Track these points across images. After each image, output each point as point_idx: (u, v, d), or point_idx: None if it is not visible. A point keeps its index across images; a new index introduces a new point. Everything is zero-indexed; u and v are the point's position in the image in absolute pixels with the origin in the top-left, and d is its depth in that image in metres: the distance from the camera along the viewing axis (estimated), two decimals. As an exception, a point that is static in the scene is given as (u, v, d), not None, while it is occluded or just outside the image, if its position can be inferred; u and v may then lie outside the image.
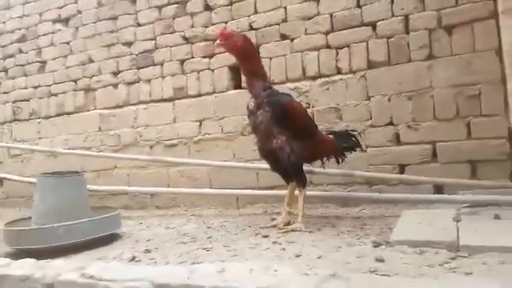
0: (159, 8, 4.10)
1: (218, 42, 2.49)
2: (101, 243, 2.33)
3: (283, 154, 2.37)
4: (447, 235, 1.87)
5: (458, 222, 2.12)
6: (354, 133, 2.83)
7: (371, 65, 3.28)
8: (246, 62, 2.49)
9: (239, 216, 3.08)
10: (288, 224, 2.44)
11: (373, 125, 3.24)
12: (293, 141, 2.37)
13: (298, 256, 1.74)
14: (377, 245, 1.92)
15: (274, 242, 2.03)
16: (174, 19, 4.04)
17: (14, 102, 4.85)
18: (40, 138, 4.64)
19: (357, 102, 3.30)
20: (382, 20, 3.25)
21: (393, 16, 3.22)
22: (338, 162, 2.77)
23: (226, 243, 2.09)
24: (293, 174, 2.46)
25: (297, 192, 2.50)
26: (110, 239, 2.42)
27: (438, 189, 3.02)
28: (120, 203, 4.07)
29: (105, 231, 2.34)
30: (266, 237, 2.20)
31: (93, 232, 2.29)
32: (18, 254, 2.18)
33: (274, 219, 2.67)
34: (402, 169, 3.15)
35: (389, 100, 3.21)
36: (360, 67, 3.31)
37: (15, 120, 4.82)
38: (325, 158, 2.68)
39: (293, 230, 2.31)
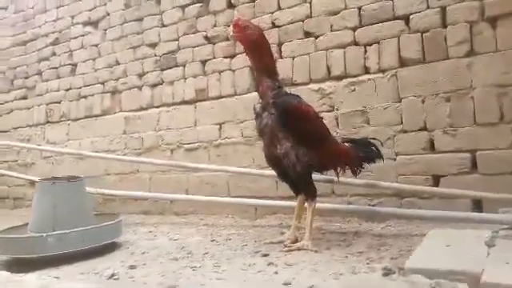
0: (183, 8, 3.98)
1: (231, 33, 2.29)
2: (97, 253, 2.21)
3: (288, 163, 2.13)
4: (473, 264, 1.54)
5: (491, 247, 1.77)
6: (375, 142, 2.52)
7: (403, 63, 2.94)
8: (258, 57, 2.27)
9: (252, 227, 2.87)
10: (295, 241, 2.20)
11: (404, 130, 2.91)
12: (299, 148, 2.12)
13: (286, 284, 1.50)
14: (387, 273, 1.64)
15: (270, 264, 1.80)
16: (197, 18, 3.90)
17: (47, 104, 4.94)
18: (69, 140, 4.68)
19: (386, 104, 2.98)
20: (416, 12, 2.91)
21: (428, 8, 2.87)
22: (354, 174, 2.47)
23: (218, 262, 1.89)
24: (299, 185, 2.21)
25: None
26: (108, 249, 2.30)
27: (477, 204, 2.64)
28: (141, 208, 4.02)
29: (100, 241, 2.22)
30: (265, 256, 1.98)
31: (87, 242, 2.17)
32: (12, 263, 2.11)
33: (283, 233, 2.43)
34: (436, 180, 2.79)
35: (422, 102, 2.86)
36: (391, 65, 2.98)
37: (48, 122, 4.91)
38: (339, 169, 2.39)
39: (298, 249, 2.07)
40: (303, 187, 2.21)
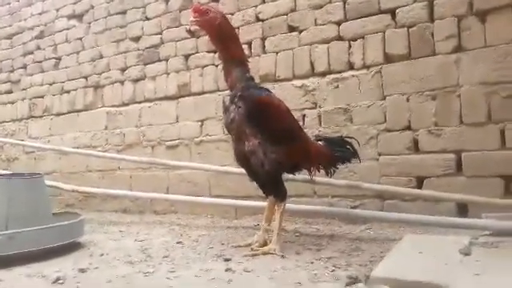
0: (166, 0, 3.86)
1: (191, 18, 2.11)
2: (54, 254, 2.08)
3: (256, 161, 2.00)
4: (442, 275, 1.41)
5: (466, 255, 1.64)
6: (352, 140, 2.38)
7: (388, 59, 2.81)
8: (224, 44, 2.11)
9: (227, 228, 2.74)
10: (264, 244, 2.07)
11: (387, 129, 2.77)
12: (268, 145, 1.99)
13: (236, 294, 1.38)
14: (351, 282, 1.51)
15: (228, 270, 1.67)
16: (180, 12, 3.78)
17: (30, 98, 4.82)
18: (51, 135, 4.57)
19: (370, 102, 2.84)
20: (403, 6, 2.78)
21: (415, 1, 2.74)
22: (327, 174, 2.34)
23: (175, 267, 1.76)
24: (267, 184, 2.08)
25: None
26: (67, 250, 2.18)
27: (462, 208, 2.51)
28: (122, 206, 3.92)
29: (57, 241, 2.10)
30: (227, 260, 1.85)
31: (42, 242, 2.05)
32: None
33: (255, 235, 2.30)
34: (419, 182, 2.66)
35: (407, 100, 2.72)
36: (375, 61, 2.85)
37: (31, 117, 4.80)
38: (311, 169, 2.26)
39: (264, 253, 1.94)
40: (271, 187, 2.08)
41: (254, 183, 2.22)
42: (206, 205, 3.32)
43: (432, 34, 2.67)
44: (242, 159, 2.10)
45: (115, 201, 3.90)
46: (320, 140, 2.31)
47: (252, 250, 2.01)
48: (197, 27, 2.15)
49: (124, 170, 3.97)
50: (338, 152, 2.27)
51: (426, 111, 2.66)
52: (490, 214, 2.14)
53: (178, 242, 2.29)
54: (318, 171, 2.32)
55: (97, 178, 4.12)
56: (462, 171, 2.54)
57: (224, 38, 2.09)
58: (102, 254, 2.08)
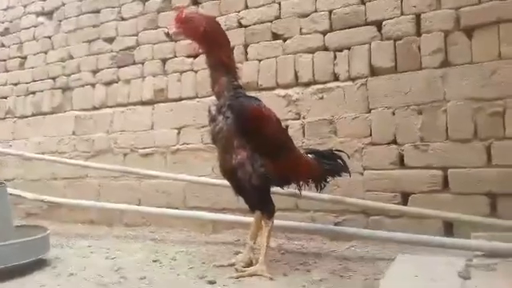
0: (144, 1, 3.69)
1: (174, 28, 1.97)
2: (16, 274, 1.88)
3: (243, 175, 1.87)
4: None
5: (466, 279, 1.57)
6: (341, 154, 2.30)
7: (374, 71, 2.76)
8: (212, 51, 1.98)
9: (205, 244, 2.59)
10: (249, 264, 1.94)
11: (372, 143, 2.71)
12: (257, 158, 1.87)
13: (227, 327, 1.24)
14: (349, 310, 1.40)
15: (213, 295, 1.53)
16: (158, 14, 3.62)
17: (-8, 99, 4.50)
18: (14, 139, 4.27)
19: (355, 114, 2.78)
20: (389, 19, 2.73)
21: (402, 14, 2.70)
22: (317, 188, 2.25)
23: (153, 291, 1.60)
24: (255, 200, 1.96)
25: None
26: (31, 268, 1.97)
27: (448, 226, 2.47)
28: (88, 217, 3.68)
29: (19, 259, 1.89)
30: (211, 283, 1.71)
31: (3, 260, 1.83)
32: None
33: (238, 253, 2.17)
34: (405, 198, 2.61)
35: (393, 114, 2.67)
36: (361, 74, 2.79)
37: (-8, 119, 4.47)
38: (300, 182, 2.15)
39: (250, 275, 1.81)
40: (259, 203, 1.96)
41: (239, 197, 2.09)
42: (182, 217, 3.15)
43: (419, 48, 2.64)
44: (229, 172, 1.97)
45: (82, 211, 3.65)
46: (310, 153, 2.21)
47: (237, 270, 1.88)
48: (180, 36, 2.00)
49: (92, 179, 3.74)
50: (327, 165, 2.17)
51: (412, 126, 2.62)
52: (480, 234, 2.10)
53: (154, 261, 2.12)
54: (308, 185, 2.22)
55: (62, 186, 3.87)
56: (448, 188, 2.50)
57: (211, 45, 1.97)
58: (70, 274, 1.89)
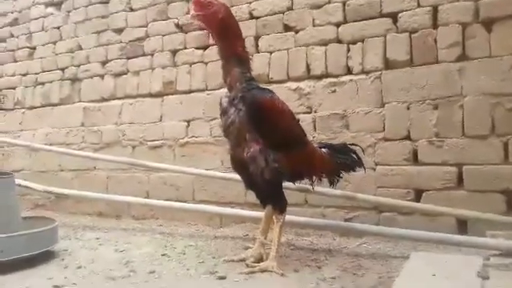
0: (153, -9, 3.64)
1: (192, 12, 1.90)
2: (25, 265, 1.86)
3: (255, 169, 1.83)
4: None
5: (484, 279, 1.52)
6: (356, 148, 2.24)
7: (389, 64, 2.69)
8: (225, 41, 1.91)
9: (214, 238, 2.55)
10: (260, 259, 1.90)
11: (386, 138, 2.65)
12: (270, 152, 1.82)
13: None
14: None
15: (224, 291, 1.49)
16: (168, 4, 3.56)
17: (0, 89, 4.49)
18: (22, 130, 4.26)
19: (368, 108, 2.72)
20: (405, 11, 2.66)
21: (418, 6, 2.63)
22: (331, 184, 2.19)
23: (163, 287, 1.56)
24: (267, 195, 1.91)
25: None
26: (40, 260, 1.94)
27: (462, 223, 2.41)
28: (96, 209, 3.66)
29: (27, 251, 1.86)
30: (221, 278, 1.67)
31: (9, 252, 1.81)
32: None
33: (247, 248, 2.13)
34: (418, 194, 2.55)
35: (407, 108, 2.61)
36: (375, 67, 2.73)
37: (0, 109, 4.46)
38: (313, 177, 2.10)
39: (261, 271, 1.77)
40: (271, 198, 1.92)
41: (250, 191, 2.05)
42: (190, 211, 3.11)
43: (435, 41, 2.57)
44: (240, 166, 1.93)
45: (90, 203, 3.63)
46: (323, 147, 2.15)
47: (247, 266, 1.84)
48: (197, 21, 1.94)
49: (100, 171, 3.72)
50: (342, 160, 2.11)
51: (427, 121, 2.55)
52: (496, 233, 2.04)
53: (163, 255, 2.09)
54: (320, 180, 2.17)
55: (70, 177, 3.86)
56: (462, 185, 2.44)
57: (226, 34, 1.90)
58: (79, 267, 1.86)
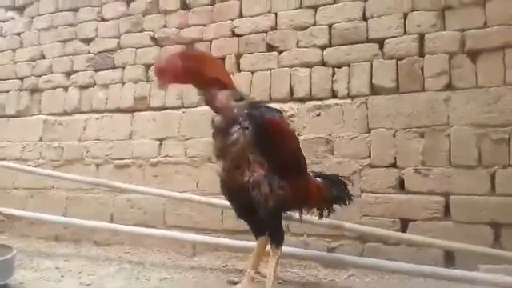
0: (128, 2, 3.45)
1: (159, 84, 1.84)
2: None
3: (258, 196, 1.66)
4: None
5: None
6: (345, 180, 2.13)
7: (375, 90, 2.65)
8: (202, 78, 1.80)
9: (190, 270, 2.33)
10: (250, 296, 1.72)
11: (371, 165, 2.58)
12: (275, 178, 1.67)
13: None
14: None
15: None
16: (144, 16, 3.39)
17: (-51, 97, 4.06)
18: (-28, 143, 3.85)
19: (353, 134, 2.65)
20: (392, 37, 2.65)
21: (405, 33, 2.62)
22: (321, 216, 2.05)
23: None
24: (267, 225, 1.75)
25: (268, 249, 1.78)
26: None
27: (449, 255, 2.35)
28: (52, 232, 3.32)
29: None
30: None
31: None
32: None
33: (232, 283, 1.94)
34: (404, 224, 2.48)
35: (394, 135, 2.56)
36: (361, 92, 2.67)
37: (-51, 119, 4.03)
38: (309, 208, 1.96)
39: (254, 311, 1.59)
40: (271, 229, 1.75)
41: (228, 215, 1.88)
42: (158, 237, 2.87)
43: (422, 69, 2.55)
44: (234, 190, 1.75)
45: (45, 226, 3.29)
46: (318, 176, 2.03)
47: (238, 305, 1.65)
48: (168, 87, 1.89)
49: (59, 190, 3.40)
50: (335, 191, 1.99)
51: (413, 149, 2.51)
52: (490, 267, 1.99)
53: (138, 289, 1.86)
54: (310, 211, 2.02)
55: (24, 196, 3.50)
56: (449, 215, 2.39)
57: (198, 77, 1.79)
58: (40, 307, 1.59)
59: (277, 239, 1.73)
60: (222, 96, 1.76)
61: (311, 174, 1.97)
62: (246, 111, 1.68)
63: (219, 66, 2.05)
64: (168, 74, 1.77)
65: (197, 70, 1.79)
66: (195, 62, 1.83)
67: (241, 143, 1.65)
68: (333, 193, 1.98)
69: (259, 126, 1.65)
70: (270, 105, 2.77)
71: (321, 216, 2.03)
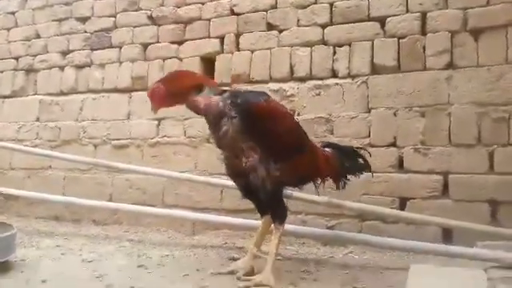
0: (124, -20, 3.38)
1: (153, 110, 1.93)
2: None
3: (255, 179, 1.67)
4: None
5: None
6: (361, 151, 2.13)
7: (376, 69, 2.63)
8: (182, 92, 1.84)
9: (191, 248, 2.34)
10: (251, 272, 1.73)
11: (371, 144, 2.57)
12: (270, 160, 1.67)
13: None
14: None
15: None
16: (140, -6, 3.32)
17: None
18: (-34, 124, 3.81)
19: (354, 113, 2.64)
20: (394, 16, 2.62)
21: (407, 12, 2.59)
22: (337, 187, 2.06)
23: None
24: (268, 205, 1.76)
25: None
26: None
27: (448, 233, 2.36)
28: (51, 212, 3.32)
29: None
30: (213, 296, 1.48)
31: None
32: None
33: (233, 259, 1.96)
34: (403, 203, 2.49)
35: (394, 115, 2.55)
36: (361, 71, 2.65)
37: None
38: (318, 180, 1.96)
39: (257, 286, 1.60)
40: (272, 208, 1.76)
41: (228, 194, 1.90)
42: (158, 216, 2.87)
43: (423, 48, 2.53)
44: (238, 175, 1.77)
45: (44, 206, 3.28)
46: (327, 146, 2.02)
47: (239, 279, 1.66)
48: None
49: (57, 170, 3.38)
50: (348, 162, 1.99)
51: (414, 128, 2.51)
52: (487, 243, 2.00)
53: (139, 266, 1.86)
54: (324, 184, 2.01)
55: (21, 177, 3.48)
56: (448, 194, 2.40)
57: (180, 97, 1.85)
58: (43, 281, 1.59)
59: (278, 217, 1.74)
60: (201, 98, 1.77)
61: (319, 145, 1.97)
62: (229, 101, 1.67)
63: (192, 73, 2.14)
64: (156, 99, 1.87)
65: (177, 88, 1.84)
66: (174, 81, 1.90)
67: (230, 134, 1.66)
68: (344, 163, 1.97)
69: (245, 111, 1.65)
70: (268, 84, 2.84)
71: (337, 188, 2.04)
